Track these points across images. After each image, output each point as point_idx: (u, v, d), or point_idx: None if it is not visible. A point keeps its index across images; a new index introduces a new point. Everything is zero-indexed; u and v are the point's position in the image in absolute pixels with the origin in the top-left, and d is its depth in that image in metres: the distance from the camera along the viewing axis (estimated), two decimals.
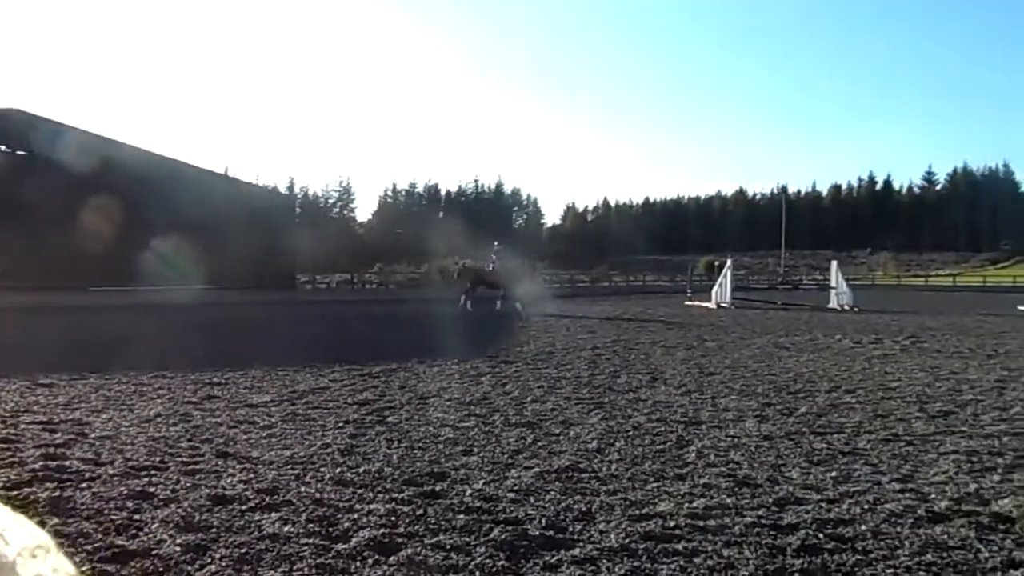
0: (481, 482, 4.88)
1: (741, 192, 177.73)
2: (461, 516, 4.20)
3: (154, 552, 3.59)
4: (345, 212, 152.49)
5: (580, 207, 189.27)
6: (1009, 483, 4.88)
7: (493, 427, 6.63)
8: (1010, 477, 5.03)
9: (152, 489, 4.55)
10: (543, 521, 4.12)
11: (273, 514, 4.15)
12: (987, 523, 4.09)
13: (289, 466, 5.20)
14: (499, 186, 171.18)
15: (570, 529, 4.02)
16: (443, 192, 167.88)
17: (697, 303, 30.76)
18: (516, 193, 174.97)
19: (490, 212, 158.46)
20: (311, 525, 4.00)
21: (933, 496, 4.60)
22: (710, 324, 19.79)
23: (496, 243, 29.77)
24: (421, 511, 4.28)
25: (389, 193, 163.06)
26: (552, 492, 4.68)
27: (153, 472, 4.95)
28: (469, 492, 4.65)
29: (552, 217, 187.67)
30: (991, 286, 64.75)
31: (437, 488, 4.74)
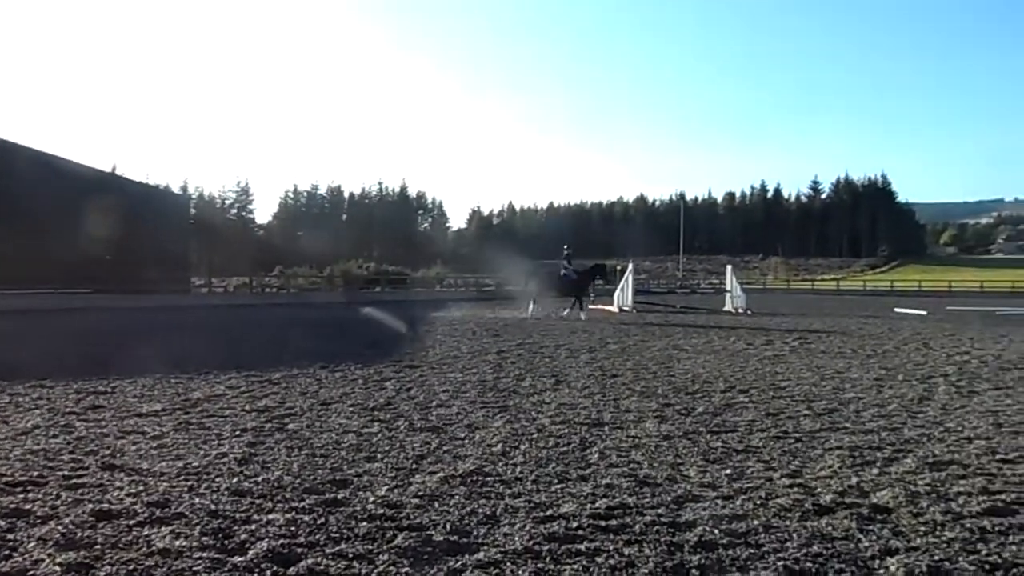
0: (384, 488, 4.80)
1: (642, 198, 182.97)
2: (364, 524, 4.12)
3: (31, 573, 3.36)
4: (244, 214, 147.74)
5: (485, 211, 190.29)
6: (887, 476, 5.19)
7: (397, 432, 6.56)
8: (888, 470, 5.34)
9: (28, 506, 4.26)
10: (447, 526, 4.10)
11: (164, 528, 3.96)
12: (867, 514, 4.33)
13: (182, 477, 4.98)
14: (404, 189, 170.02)
15: (475, 533, 4.01)
16: (347, 194, 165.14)
17: (600, 306, 31.36)
18: (421, 196, 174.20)
19: (394, 215, 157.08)
20: (205, 538, 3.83)
21: (819, 490, 4.83)
22: (612, 327, 20.22)
23: (567, 247, 27.55)
24: (322, 520, 4.17)
25: (290, 194, 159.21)
26: (457, 497, 4.65)
27: (30, 488, 4.64)
28: (372, 499, 4.57)
29: (457, 221, 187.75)
30: (871, 290, 68.75)
31: (339, 496, 4.64)
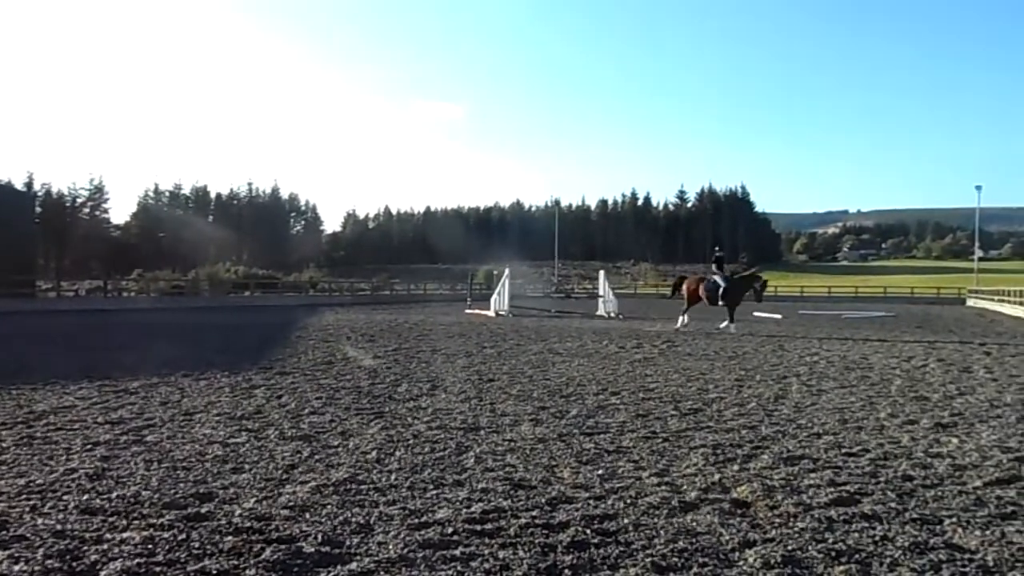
0: (252, 500, 4.61)
1: (518, 204, 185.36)
2: (229, 538, 3.94)
3: None
4: (97, 213, 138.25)
5: (361, 214, 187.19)
6: (746, 471, 5.48)
7: (267, 442, 6.31)
8: (747, 466, 5.64)
9: None
10: (319, 537, 3.98)
11: (1, 552, 3.63)
12: (728, 509, 4.56)
13: (24, 496, 4.59)
14: (275, 190, 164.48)
15: (347, 543, 3.92)
16: (213, 195, 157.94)
17: (477, 311, 31.51)
18: (294, 198, 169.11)
19: (265, 217, 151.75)
20: (50, 561, 3.55)
21: (685, 487, 5.04)
22: (489, 332, 20.34)
23: (717, 248, 24.19)
24: (183, 536, 3.95)
25: (151, 194, 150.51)
26: (329, 506, 4.53)
27: None
28: (239, 512, 4.38)
29: (332, 224, 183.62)
30: None
31: (202, 510, 4.41)
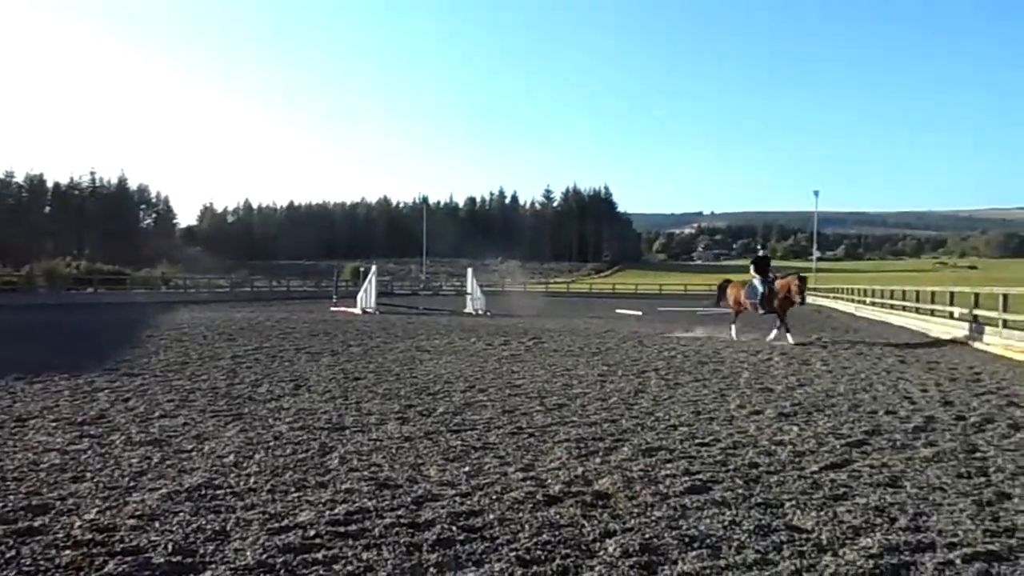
0: (95, 511, 4.30)
1: (385, 200, 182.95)
2: (67, 552, 3.65)
3: None
4: None
5: (219, 208, 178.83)
6: (607, 464, 5.66)
7: (112, 448, 5.91)
8: (608, 459, 5.83)
9: None
10: (169, 547, 3.77)
11: None
12: (590, 501, 4.69)
13: None
14: (122, 181, 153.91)
15: (201, 552, 3.73)
16: (50, 184, 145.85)
17: (343, 309, 30.83)
18: (143, 190, 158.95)
19: (111, 209, 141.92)
20: None
21: (549, 481, 5.14)
22: (356, 330, 19.97)
23: (760, 247, 21.48)
24: (13, 552, 3.63)
25: None
26: (181, 514, 4.29)
27: None
28: (79, 524, 4.07)
29: (187, 218, 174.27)
30: (596, 292, 74.87)
31: (36, 523, 4.07)
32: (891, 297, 28.35)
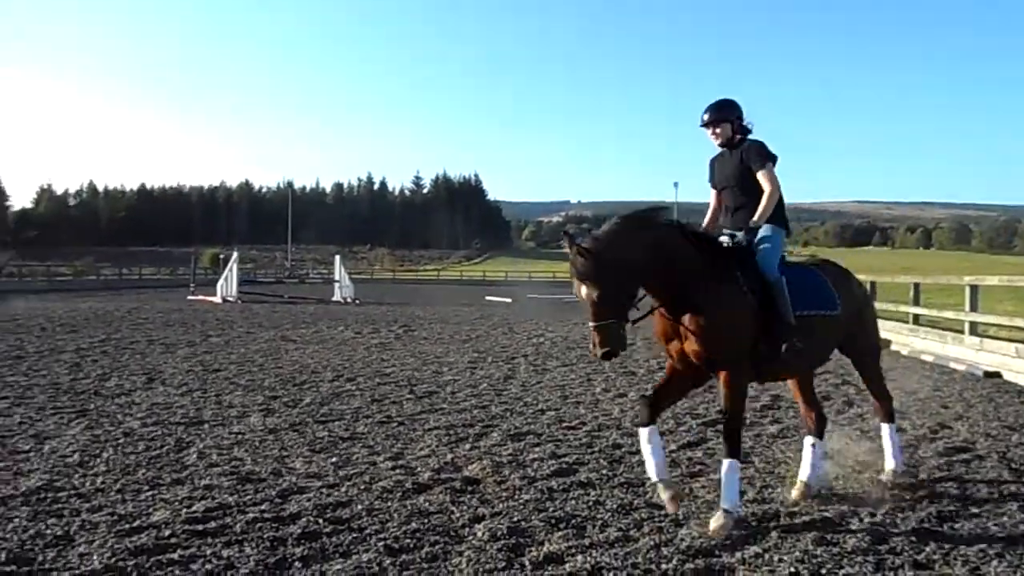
0: None
1: (247, 184, 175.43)
2: None
3: None
4: None
5: (59, 190, 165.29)
6: (477, 449, 5.70)
7: None
8: (478, 444, 5.88)
9: None
10: (4, 555, 3.47)
11: None
12: (460, 487, 4.71)
13: None
14: None
15: (40, 559, 3.46)
16: None
17: (201, 297, 29.40)
18: None
19: None
20: None
21: (419, 469, 5.12)
22: (215, 319, 19.09)
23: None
24: None
25: None
26: (17, 519, 3.96)
27: None
28: None
29: (22, 200, 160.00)
30: (467, 279, 75.11)
31: None
32: None
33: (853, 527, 4.05)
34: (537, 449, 5.72)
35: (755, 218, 4.46)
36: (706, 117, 4.66)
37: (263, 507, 4.25)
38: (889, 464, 4.92)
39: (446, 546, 3.72)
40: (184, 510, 4.17)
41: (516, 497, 4.52)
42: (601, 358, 3.79)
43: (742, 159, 4.59)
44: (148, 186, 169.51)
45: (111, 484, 4.65)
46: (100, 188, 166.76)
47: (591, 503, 4.41)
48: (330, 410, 7.22)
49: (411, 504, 4.35)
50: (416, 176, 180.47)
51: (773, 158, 4.57)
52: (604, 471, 5.12)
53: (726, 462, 4.04)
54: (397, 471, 5.06)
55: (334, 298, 31.46)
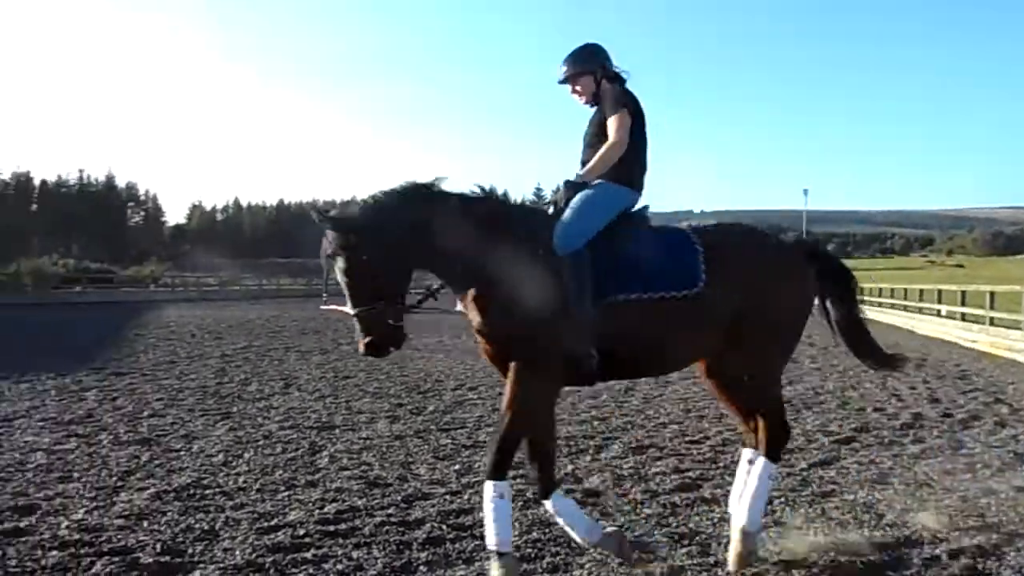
0: (82, 511, 4.28)
1: None
2: (54, 553, 3.63)
3: None
4: None
5: (208, 206, 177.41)
6: (598, 461, 5.66)
7: (99, 447, 5.88)
8: (598, 456, 5.83)
9: None
10: (158, 547, 3.75)
11: None
12: (580, 498, 4.67)
13: None
14: (110, 179, 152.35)
15: (190, 551, 3.71)
16: (37, 182, 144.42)
17: (333, 307, 30.69)
18: (131, 188, 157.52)
19: (99, 207, 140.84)
20: None
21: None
22: (346, 328, 19.91)
23: None
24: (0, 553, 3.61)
25: None
26: (170, 513, 4.28)
27: None
28: (66, 524, 4.05)
29: (176, 216, 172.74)
30: None
31: (23, 524, 4.04)
32: (879, 295, 28.46)
33: (1009, 558, 3.73)
34: (659, 463, 5.62)
35: (581, 171, 3.65)
36: (562, 72, 3.73)
37: (390, 511, 4.39)
38: (738, 521, 3.59)
39: (567, 557, 3.71)
40: (317, 511, 4.36)
41: (637, 511, 4.45)
42: (364, 352, 3.27)
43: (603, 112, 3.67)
44: (285, 201, 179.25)
45: (252, 483, 4.93)
46: (243, 204, 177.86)
47: (715, 520, 4.29)
48: (453, 418, 7.37)
49: (532, 514, 4.37)
50: (537, 187, 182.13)
51: (628, 103, 3.59)
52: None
53: (488, 483, 3.29)
54: (517, 481, 5.08)
55: (457, 308, 32.09)
